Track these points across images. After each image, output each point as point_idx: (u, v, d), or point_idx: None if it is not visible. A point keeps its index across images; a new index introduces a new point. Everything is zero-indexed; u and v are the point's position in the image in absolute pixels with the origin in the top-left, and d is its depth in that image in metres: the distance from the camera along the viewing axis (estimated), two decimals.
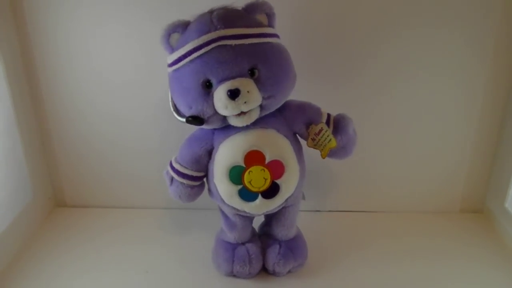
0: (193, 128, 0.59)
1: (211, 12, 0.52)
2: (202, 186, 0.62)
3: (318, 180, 0.79)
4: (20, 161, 0.72)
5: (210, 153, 0.58)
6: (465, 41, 0.69)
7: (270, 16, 0.54)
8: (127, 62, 0.72)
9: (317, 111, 0.59)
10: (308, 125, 0.58)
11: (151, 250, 0.70)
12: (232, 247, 0.64)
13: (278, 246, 0.64)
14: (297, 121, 0.58)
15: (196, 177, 0.59)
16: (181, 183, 0.59)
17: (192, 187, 0.60)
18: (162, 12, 0.68)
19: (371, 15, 0.68)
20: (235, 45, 0.50)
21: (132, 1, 0.68)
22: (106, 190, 0.82)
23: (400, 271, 0.66)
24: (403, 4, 0.67)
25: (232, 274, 0.64)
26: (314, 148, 0.59)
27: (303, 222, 0.68)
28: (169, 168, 0.60)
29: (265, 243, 0.65)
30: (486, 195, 0.80)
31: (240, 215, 0.61)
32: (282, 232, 0.64)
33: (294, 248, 0.64)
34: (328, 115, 0.59)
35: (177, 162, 0.60)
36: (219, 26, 0.50)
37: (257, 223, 0.68)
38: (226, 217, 0.62)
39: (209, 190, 0.61)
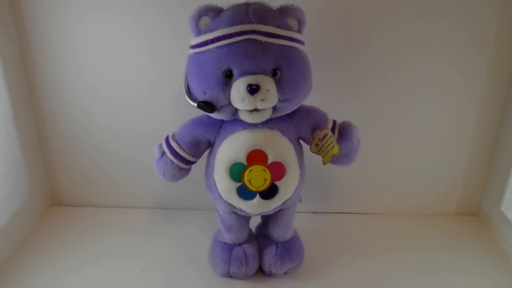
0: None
1: (247, 4, 0.52)
2: (188, 170, 0.61)
3: (316, 182, 0.79)
4: (17, 161, 0.72)
5: (209, 144, 0.59)
6: (465, 41, 0.69)
7: (301, 22, 0.55)
8: (126, 63, 0.72)
9: (323, 117, 0.60)
10: (314, 130, 0.59)
11: (147, 250, 0.70)
12: (228, 248, 0.64)
13: (274, 247, 0.64)
14: (303, 125, 0.58)
15: (188, 161, 0.59)
16: (171, 161, 0.59)
17: (180, 168, 0.59)
18: (162, 12, 0.68)
19: (370, 8, 0.68)
20: (265, 42, 0.50)
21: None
22: (102, 189, 0.82)
23: (396, 272, 0.66)
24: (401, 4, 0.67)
25: (229, 275, 0.64)
26: (316, 153, 0.59)
27: (300, 223, 0.68)
28: (163, 143, 0.59)
29: (262, 244, 0.65)
30: (482, 198, 0.81)
31: (236, 213, 0.61)
32: (278, 233, 0.64)
33: (290, 250, 0.64)
34: (334, 122, 0.60)
35: (174, 140, 0.59)
36: (253, 20, 0.50)
37: (253, 224, 0.69)
38: (223, 218, 0.62)
39: (207, 184, 0.61)
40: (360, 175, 0.79)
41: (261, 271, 0.65)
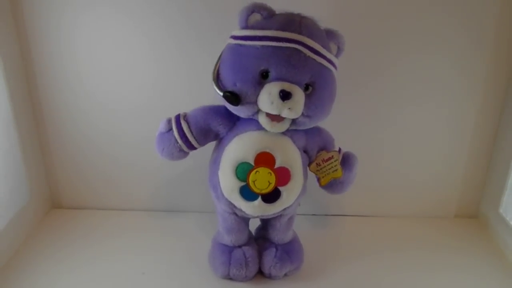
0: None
1: (301, 16, 0.53)
2: (186, 154, 0.61)
3: (315, 184, 0.79)
4: (18, 163, 0.72)
5: (216, 136, 0.59)
6: (464, 41, 0.70)
7: (339, 49, 0.57)
8: (126, 66, 0.72)
9: (332, 140, 0.61)
10: (320, 149, 0.60)
11: (147, 252, 0.70)
12: (228, 250, 0.64)
13: (274, 249, 0.64)
14: (313, 142, 0.60)
15: (192, 145, 0.59)
16: (175, 140, 0.58)
17: (180, 150, 0.59)
18: (164, 15, 0.68)
19: (367, 7, 0.68)
20: (308, 56, 0.51)
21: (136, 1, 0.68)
22: (103, 192, 0.82)
23: (395, 275, 0.67)
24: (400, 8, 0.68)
25: (229, 277, 0.64)
26: (315, 173, 0.61)
27: (299, 225, 0.68)
28: (173, 120, 0.59)
29: (262, 246, 0.65)
30: (480, 200, 0.81)
31: (236, 214, 0.61)
32: (278, 236, 0.64)
33: (290, 252, 0.64)
34: (339, 148, 0.61)
35: (186, 120, 0.58)
36: (304, 32, 0.52)
37: (253, 226, 0.69)
38: (224, 219, 0.62)
39: (211, 181, 0.61)
40: (359, 177, 0.79)
41: (261, 273, 0.65)
